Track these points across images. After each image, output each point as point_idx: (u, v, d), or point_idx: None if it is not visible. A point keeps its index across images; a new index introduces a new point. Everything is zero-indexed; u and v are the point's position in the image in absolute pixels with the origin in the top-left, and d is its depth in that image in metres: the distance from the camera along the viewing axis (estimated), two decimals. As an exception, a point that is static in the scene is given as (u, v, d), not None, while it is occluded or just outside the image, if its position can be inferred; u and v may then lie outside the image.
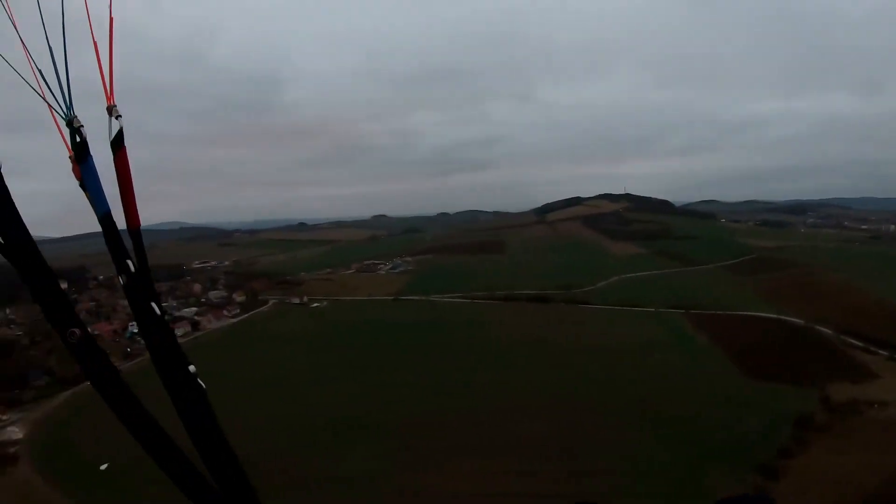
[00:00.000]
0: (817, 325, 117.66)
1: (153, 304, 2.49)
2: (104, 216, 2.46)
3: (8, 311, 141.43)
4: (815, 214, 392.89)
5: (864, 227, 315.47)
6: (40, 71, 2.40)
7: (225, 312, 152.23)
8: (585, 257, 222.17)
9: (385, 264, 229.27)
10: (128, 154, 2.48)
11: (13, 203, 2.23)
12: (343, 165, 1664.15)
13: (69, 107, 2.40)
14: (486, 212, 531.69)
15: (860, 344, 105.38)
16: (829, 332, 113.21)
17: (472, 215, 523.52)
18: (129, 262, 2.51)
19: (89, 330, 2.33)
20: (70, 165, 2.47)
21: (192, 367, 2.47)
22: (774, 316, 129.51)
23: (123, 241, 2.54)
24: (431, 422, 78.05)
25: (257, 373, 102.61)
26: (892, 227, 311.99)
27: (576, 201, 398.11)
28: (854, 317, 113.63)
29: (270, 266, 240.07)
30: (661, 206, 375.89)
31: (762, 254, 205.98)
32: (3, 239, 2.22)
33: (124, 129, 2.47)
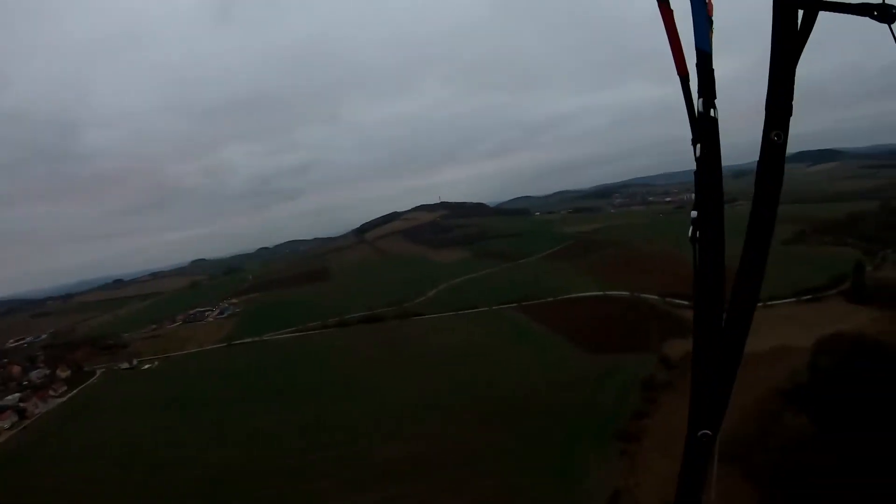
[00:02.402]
0: (642, 294, 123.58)
1: None
2: None
3: None
4: (621, 195, 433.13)
5: (667, 199, 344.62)
6: None
7: (51, 392, 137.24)
8: (410, 270, 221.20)
9: (212, 310, 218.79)
10: None
11: None
12: (156, 211, 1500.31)
13: None
14: (307, 240, 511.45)
15: (685, 303, 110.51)
16: (655, 297, 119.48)
17: (293, 245, 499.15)
18: None
19: None
20: None
21: None
22: (601, 293, 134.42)
23: None
24: (292, 465, 72.41)
25: (99, 453, 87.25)
26: (693, 195, 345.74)
27: (393, 216, 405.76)
28: (674, 280, 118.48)
29: (91, 331, 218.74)
30: (476, 210, 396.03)
31: (579, 238, 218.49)
32: None
33: None
